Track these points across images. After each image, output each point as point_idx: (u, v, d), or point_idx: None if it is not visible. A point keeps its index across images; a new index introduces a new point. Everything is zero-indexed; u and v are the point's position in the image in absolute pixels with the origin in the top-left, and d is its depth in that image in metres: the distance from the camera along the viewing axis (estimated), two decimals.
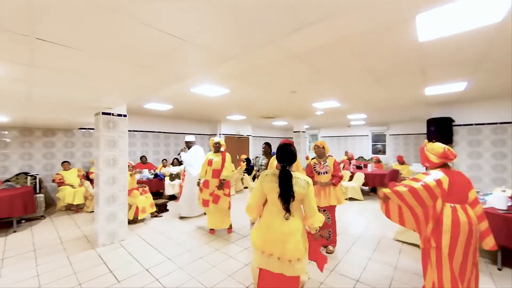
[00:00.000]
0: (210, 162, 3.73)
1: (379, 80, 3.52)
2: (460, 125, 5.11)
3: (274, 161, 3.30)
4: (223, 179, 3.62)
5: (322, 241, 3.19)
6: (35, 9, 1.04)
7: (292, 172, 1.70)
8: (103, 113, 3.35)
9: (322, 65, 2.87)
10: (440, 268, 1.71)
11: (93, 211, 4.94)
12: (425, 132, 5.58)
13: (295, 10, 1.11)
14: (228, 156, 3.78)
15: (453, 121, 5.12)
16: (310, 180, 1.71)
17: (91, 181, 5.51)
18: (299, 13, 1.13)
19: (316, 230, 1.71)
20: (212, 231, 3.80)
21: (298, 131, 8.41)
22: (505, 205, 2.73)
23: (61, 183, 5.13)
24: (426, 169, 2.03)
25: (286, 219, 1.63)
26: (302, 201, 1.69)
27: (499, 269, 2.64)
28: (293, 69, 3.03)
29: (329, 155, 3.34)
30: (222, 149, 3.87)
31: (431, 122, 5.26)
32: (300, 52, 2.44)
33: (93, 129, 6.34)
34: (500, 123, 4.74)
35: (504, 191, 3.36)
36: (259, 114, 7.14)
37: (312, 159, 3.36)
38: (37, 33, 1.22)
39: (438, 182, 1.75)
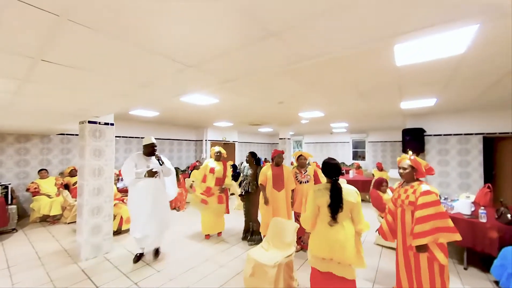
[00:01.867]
0: (212, 170, 3.85)
1: (362, 94, 3.79)
2: (431, 135, 5.60)
3: (268, 170, 3.43)
4: (224, 187, 3.90)
5: (304, 246, 3.34)
6: (52, 35, 1.05)
7: (342, 184, 1.87)
8: (90, 122, 3.25)
9: (310, 79, 3.05)
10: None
11: (71, 222, 4.69)
12: (401, 140, 6.02)
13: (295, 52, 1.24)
14: (228, 165, 4.01)
15: (424, 131, 5.59)
16: (357, 191, 1.92)
17: (69, 189, 5.23)
18: (299, 53, 1.27)
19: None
20: (207, 236, 3.92)
21: (284, 138, 8.63)
22: (469, 211, 3.06)
23: (36, 193, 4.81)
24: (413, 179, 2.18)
25: (331, 225, 1.80)
26: (351, 210, 1.85)
27: (465, 269, 2.94)
28: (282, 83, 3.19)
29: (312, 161, 3.53)
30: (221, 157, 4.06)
31: (406, 132, 5.70)
32: (290, 69, 2.60)
33: (72, 134, 6.04)
34: (465, 134, 5.28)
35: (468, 197, 3.76)
36: (246, 121, 7.24)
37: (293, 168, 3.53)
38: (44, 56, 1.22)
39: None
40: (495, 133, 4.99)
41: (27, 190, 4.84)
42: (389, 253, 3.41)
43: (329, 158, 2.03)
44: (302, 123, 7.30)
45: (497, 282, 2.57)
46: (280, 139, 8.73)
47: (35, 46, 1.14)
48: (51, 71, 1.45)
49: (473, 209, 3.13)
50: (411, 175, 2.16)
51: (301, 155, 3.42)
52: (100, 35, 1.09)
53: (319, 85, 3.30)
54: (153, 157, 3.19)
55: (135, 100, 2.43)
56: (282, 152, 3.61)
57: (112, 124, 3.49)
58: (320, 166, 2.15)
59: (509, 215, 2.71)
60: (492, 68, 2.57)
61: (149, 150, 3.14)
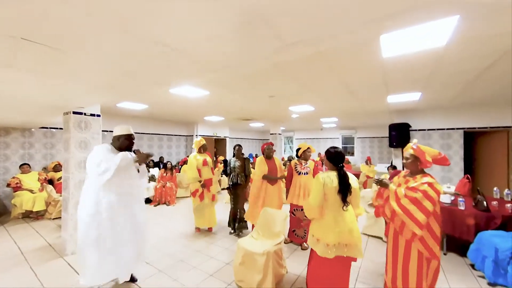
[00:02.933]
0: (205, 162, 3.85)
1: (350, 89, 3.87)
2: (416, 130, 5.80)
3: (262, 164, 3.47)
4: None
5: (298, 239, 3.40)
6: (35, 14, 1.01)
7: (346, 171, 1.98)
8: (74, 113, 3.15)
9: (300, 74, 3.09)
10: None
11: (56, 218, 4.56)
12: (387, 135, 6.20)
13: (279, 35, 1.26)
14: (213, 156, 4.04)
15: (410, 126, 5.79)
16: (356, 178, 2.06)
17: (54, 185, 5.07)
18: (284, 37, 1.29)
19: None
20: (198, 229, 3.95)
21: (275, 133, 8.68)
22: (449, 200, 3.21)
23: (17, 188, 4.62)
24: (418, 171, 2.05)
25: (344, 210, 1.89)
26: (352, 195, 1.95)
27: (445, 254, 3.10)
28: (273, 77, 3.21)
29: (311, 160, 3.59)
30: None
31: (392, 127, 5.88)
32: (280, 62, 2.62)
33: (56, 128, 5.82)
34: (447, 129, 5.51)
35: (449, 187, 3.94)
36: (237, 116, 7.23)
37: (289, 160, 3.57)
38: (24, 34, 1.16)
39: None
40: (475, 128, 5.23)
41: (8, 185, 4.65)
42: (375, 241, 3.54)
43: (333, 147, 2.05)
44: (293, 117, 7.37)
45: (473, 265, 2.73)
46: (271, 134, 8.78)
47: (17, 22, 1.09)
48: (32, 52, 1.39)
49: (452, 198, 3.29)
50: (415, 166, 2.02)
51: (309, 147, 3.47)
52: (82, 13, 1.06)
53: (308, 81, 3.35)
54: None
55: (120, 90, 2.37)
56: (271, 144, 3.64)
57: (98, 116, 3.39)
58: (324, 155, 2.16)
59: (485, 203, 2.87)
60: (471, 64, 2.69)
61: (126, 144, 2.22)
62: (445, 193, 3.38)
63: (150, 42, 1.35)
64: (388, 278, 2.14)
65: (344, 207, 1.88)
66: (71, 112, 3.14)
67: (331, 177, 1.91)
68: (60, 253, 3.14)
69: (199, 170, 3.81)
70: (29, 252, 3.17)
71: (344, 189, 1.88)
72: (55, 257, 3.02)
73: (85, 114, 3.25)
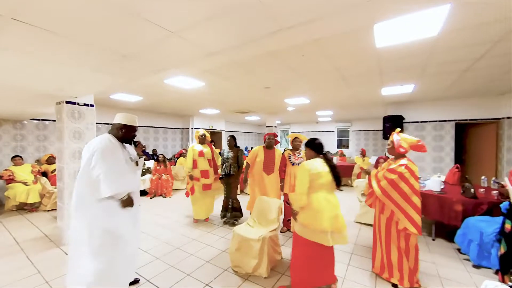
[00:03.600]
0: (201, 153, 3.84)
1: (345, 80, 3.90)
2: (409, 122, 5.89)
3: (260, 152, 3.55)
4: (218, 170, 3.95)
5: (289, 226, 3.48)
6: None
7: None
8: (67, 102, 3.10)
9: (295, 63, 3.09)
10: None
11: (51, 210, 4.54)
12: (382, 128, 6.29)
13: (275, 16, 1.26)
14: (214, 149, 4.06)
15: (403, 118, 5.87)
16: None
17: (48, 177, 5.02)
18: (278, 18, 1.29)
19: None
20: (196, 220, 3.97)
21: (271, 126, 8.71)
22: (439, 188, 3.32)
23: (10, 180, 4.57)
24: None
25: (340, 190, 2.08)
26: None
27: (433, 239, 3.23)
28: (268, 66, 3.21)
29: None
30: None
31: (386, 119, 5.96)
32: (275, 50, 2.62)
33: (48, 120, 5.73)
34: (439, 121, 5.62)
35: (439, 176, 4.05)
36: (233, 109, 7.21)
37: (285, 150, 3.61)
38: (15, 14, 1.14)
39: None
40: (466, 120, 5.35)
41: (0, 177, 4.59)
42: (367, 228, 3.65)
43: (314, 138, 2.21)
44: (288, 110, 7.39)
45: (459, 250, 2.85)
46: (267, 127, 8.80)
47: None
48: (22, 34, 1.37)
49: (442, 186, 3.40)
50: (393, 150, 2.31)
51: (296, 137, 3.48)
52: None
53: (303, 70, 3.35)
54: (129, 146, 2.11)
55: (114, 76, 2.34)
56: (274, 135, 3.64)
57: (92, 106, 3.36)
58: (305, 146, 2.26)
59: (472, 190, 2.98)
60: (462, 54, 2.73)
61: (129, 136, 2.03)
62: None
63: (142, 21, 1.33)
64: (377, 257, 2.39)
65: (339, 188, 2.03)
66: (64, 102, 3.10)
67: (317, 164, 2.01)
68: (57, 242, 3.15)
69: (195, 161, 3.82)
70: (25, 242, 3.17)
71: (336, 172, 2.01)
72: (52, 247, 3.03)
73: (78, 104, 3.21)
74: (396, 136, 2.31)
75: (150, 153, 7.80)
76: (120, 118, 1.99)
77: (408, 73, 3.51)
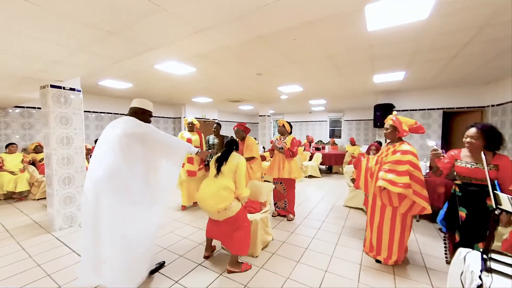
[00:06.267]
0: (189, 140, 3.84)
1: (337, 66, 3.91)
2: (399, 110, 6.00)
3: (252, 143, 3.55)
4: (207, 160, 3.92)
5: (281, 211, 3.57)
6: None
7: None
8: (52, 86, 3.00)
9: (286, 48, 3.07)
10: None
11: (41, 198, 4.48)
12: (373, 118, 6.39)
13: None
14: (202, 135, 4.04)
15: (394, 106, 5.98)
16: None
17: (36, 166, 4.92)
18: None
19: None
20: (183, 207, 3.98)
21: (264, 115, 8.70)
22: (424, 172, 3.44)
23: None
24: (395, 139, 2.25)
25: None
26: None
27: (417, 221, 3.39)
28: (260, 52, 3.17)
29: (291, 135, 3.62)
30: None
31: (377, 108, 6.06)
32: (266, 34, 2.58)
33: (33, 107, 5.53)
34: (427, 109, 5.75)
35: (426, 162, 4.19)
36: (225, 97, 7.14)
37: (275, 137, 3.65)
38: None
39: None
40: (453, 108, 5.49)
41: None
42: (355, 212, 3.79)
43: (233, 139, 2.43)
44: (282, 99, 7.38)
45: (441, 229, 3.01)
46: (260, 116, 8.79)
47: None
48: None
49: (427, 171, 3.53)
50: (393, 135, 2.24)
51: (278, 122, 3.55)
52: None
53: (295, 56, 3.33)
54: None
55: (98, 56, 2.27)
56: (242, 125, 3.58)
57: (79, 91, 3.26)
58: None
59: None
60: (451, 39, 2.77)
61: (148, 120, 2.10)
62: None
63: None
64: (367, 238, 2.45)
65: (216, 175, 2.17)
66: (49, 86, 2.99)
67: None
68: (48, 228, 3.13)
69: None
70: (14, 229, 3.14)
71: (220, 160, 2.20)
72: (43, 233, 3.02)
73: (64, 88, 3.11)
74: (397, 120, 2.20)
75: None
76: (138, 103, 2.06)
77: (399, 59, 3.55)
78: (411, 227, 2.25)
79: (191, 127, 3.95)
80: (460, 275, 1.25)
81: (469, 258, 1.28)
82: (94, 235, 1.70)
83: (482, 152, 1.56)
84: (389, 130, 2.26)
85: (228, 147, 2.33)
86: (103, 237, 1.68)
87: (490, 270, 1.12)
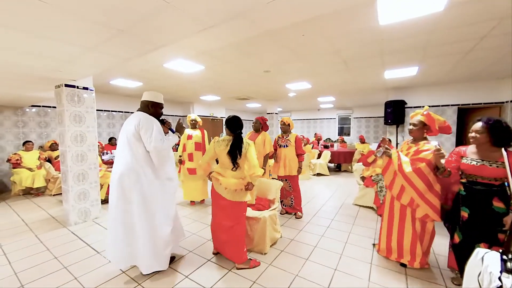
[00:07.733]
0: (190, 136, 3.90)
1: (346, 62, 3.83)
2: (411, 107, 5.83)
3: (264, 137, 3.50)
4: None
5: (288, 208, 3.55)
6: None
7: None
8: (66, 85, 3.09)
9: (294, 44, 3.03)
10: None
11: (57, 194, 4.66)
12: (383, 115, 6.24)
13: None
14: (205, 132, 4.08)
15: (406, 103, 5.82)
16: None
17: (52, 163, 5.10)
18: None
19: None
20: (192, 203, 4.07)
21: (271, 113, 8.67)
22: None
23: (16, 165, 4.66)
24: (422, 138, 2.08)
25: (233, 171, 2.21)
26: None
27: None
28: (267, 48, 3.15)
29: (293, 133, 3.57)
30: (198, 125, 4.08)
31: (388, 104, 5.90)
32: (274, 30, 2.55)
33: (49, 106, 5.73)
34: (441, 105, 5.56)
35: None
36: (233, 95, 7.15)
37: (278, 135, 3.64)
38: None
39: None
40: (469, 104, 5.28)
41: (8, 160, 4.70)
42: (365, 210, 3.72)
43: (233, 116, 2.25)
44: (289, 96, 7.32)
45: None
46: (267, 114, 8.76)
47: None
48: (8, 5, 1.35)
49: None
50: (421, 133, 2.05)
51: (282, 120, 3.52)
52: None
53: (303, 52, 3.29)
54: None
55: (110, 56, 2.31)
56: (262, 119, 3.58)
57: (91, 90, 3.34)
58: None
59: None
60: (467, 32, 2.66)
61: (159, 113, 2.20)
62: None
63: None
64: (383, 241, 2.33)
65: (234, 169, 2.13)
66: (63, 85, 3.09)
67: (222, 141, 2.18)
68: (64, 223, 3.25)
69: (184, 145, 3.92)
70: (33, 223, 3.28)
71: (233, 152, 2.10)
72: (59, 227, 3.14)
73: (77, 87, 3.20)
74: (429, 117, 2.00)
75: None
76: (147, 96, 2.14)
77: (412, 53, 3.43)
78: (433, 230, 2.12)
79: (193, 124, 4.01)
80: (478, 276, 1.21)
81: (487, 258, 1.23)
82: (123, 220, 1.93)
83: (503, 149, 1.48)
84: (417, 127, 2.06)
85: (236, 138, 2.15)
86: (134, 220, 1.94)
87: (510, 271, 1.07)
